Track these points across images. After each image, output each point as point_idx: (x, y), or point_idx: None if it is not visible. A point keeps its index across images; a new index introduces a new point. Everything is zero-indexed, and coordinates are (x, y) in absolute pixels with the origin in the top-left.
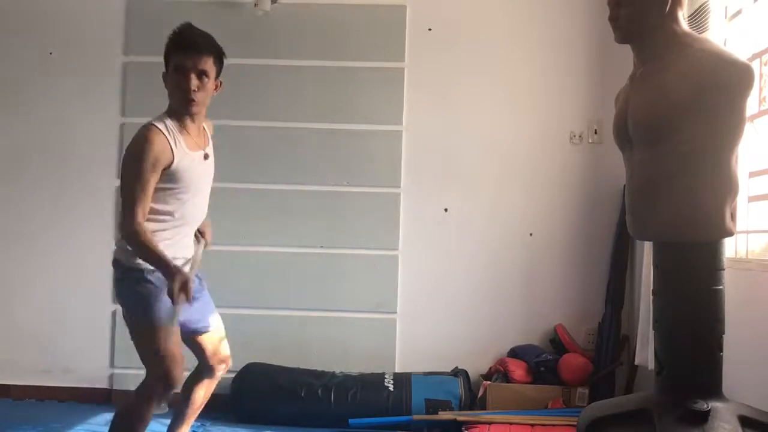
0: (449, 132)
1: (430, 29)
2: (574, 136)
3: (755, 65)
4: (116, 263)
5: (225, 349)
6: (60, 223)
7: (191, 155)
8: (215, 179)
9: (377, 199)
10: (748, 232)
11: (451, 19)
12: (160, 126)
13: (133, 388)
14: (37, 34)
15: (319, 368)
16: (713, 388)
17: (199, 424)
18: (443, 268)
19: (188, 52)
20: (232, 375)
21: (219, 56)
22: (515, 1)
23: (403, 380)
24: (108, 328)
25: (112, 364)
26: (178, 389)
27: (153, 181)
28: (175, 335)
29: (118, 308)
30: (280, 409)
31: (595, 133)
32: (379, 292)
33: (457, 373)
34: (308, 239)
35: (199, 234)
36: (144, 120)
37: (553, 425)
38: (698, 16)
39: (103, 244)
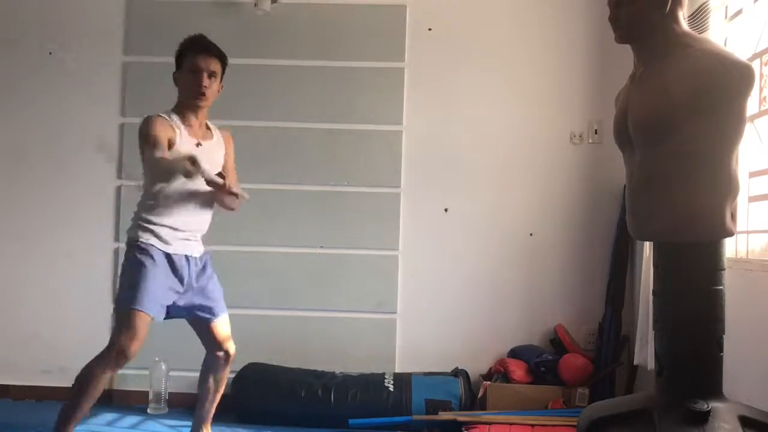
0: (449, 132)
1: (430, 29)
2: (574, 136)
3: (755, 65)
4: (128, 240)
5: (231, 344)
6: (60, 223)
7: (190, 141)
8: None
9: (377, 199)
10: (748, 232)
11: (451, 19)
12: (162, 114)
13: (133, 388)
14: (37, 34)
15: (319, 368)
16: (713, 388)
17: None
18: (443, 268)
19: (203, 54)
20: (232, 375)
21: (225, 62)
22: (515, 1)
23: (403, 380)
24: (108, 328)
25: None
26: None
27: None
28: (145, 320)
29: None
30: (280, 409)
31: (595, 133)
32: (379, 292)
33: (457, 373)
34: (308, 239)
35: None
36: None
37: (553, 425)
38: (698, 16)
39: (104, 243)
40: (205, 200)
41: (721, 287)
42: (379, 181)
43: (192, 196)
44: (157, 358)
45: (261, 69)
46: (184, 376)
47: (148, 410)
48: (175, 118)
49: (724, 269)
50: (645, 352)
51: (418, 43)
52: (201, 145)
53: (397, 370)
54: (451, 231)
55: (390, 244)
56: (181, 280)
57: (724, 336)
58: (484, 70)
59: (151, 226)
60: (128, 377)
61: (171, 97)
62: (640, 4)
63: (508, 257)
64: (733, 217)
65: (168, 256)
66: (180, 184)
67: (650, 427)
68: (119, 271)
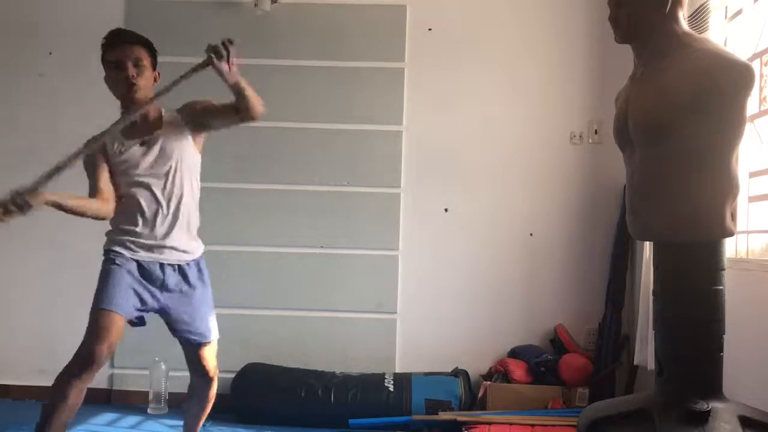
0: (449, 132)
1: (430, 29)
2: (574, 136)
3: (755, 65)
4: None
5: (214, 360)
6: (60, 223)
7: (130, 145)
8: (213, 178)
9: (377, 199)
10: (748, 232)
11: (451, 19)
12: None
13: (133, 388)
14: (37, 34)
15: (319, 368)
16: (713, 388)
17: None
18: (443, 268)
19: (119, 45)
20: (232, 375)
21: (150, 48)
22: (516, 2)
23: (403, 380)
24: None
25: (112, 364)
26: (97, 368)
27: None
28: (116, 322)
29: None
30: (280, 409)
31: (595, 133)
32: (379, 292)
33: (457, 373)
34: (308, 239)
35: None
36: None
37: (553, 425)
38: (698, 16)
39: (103, 244)
40: (166, 202)
41: (721, 287)
42: (379, 181)
43: (146, 198)
44: (157, 358)
45: (261, 69)
46: (184, 376)
47: (148, 410)
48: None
49: (724, 269)
50: (645, 352)
51: (418, 43)
52: (146, 142)
53: (397, 370)
54: (451, 231)
55: (390, 244)
56: (158, 284)
57: (724, 336)
58: (484, 70)
59: (117, 235)
60: (128, 377)
61: (172, 99)
62: (640, 4)
63: (508, 257)
64: (733, 217)
65: (137, 263)
66: (133, 184)
67: (650, 427)
68: None
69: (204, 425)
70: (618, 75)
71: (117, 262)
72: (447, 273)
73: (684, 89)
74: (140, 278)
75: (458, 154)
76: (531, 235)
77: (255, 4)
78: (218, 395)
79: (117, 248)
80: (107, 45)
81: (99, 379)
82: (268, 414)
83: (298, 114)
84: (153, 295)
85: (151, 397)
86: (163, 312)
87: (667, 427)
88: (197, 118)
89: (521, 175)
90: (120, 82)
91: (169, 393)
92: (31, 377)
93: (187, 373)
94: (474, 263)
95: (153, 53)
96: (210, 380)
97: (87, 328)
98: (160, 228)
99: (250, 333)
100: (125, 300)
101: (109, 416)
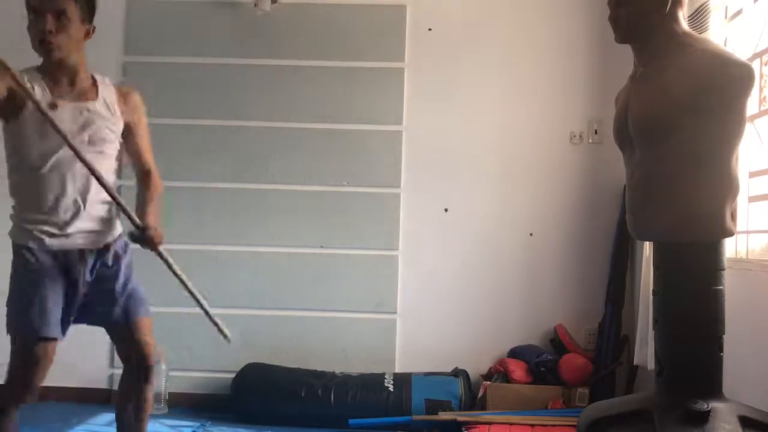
0: (449, 132)
1: (430, 29)
2: (574, 136)
3: (755, 65)
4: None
5: (148, 350)
6: None
7: (44, 99)
8: (213, 178)
9: (377, 199)
10: (748, 232)
11: (451, 19)
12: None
13: None
14: None
15: (319, 368)
16: (713, 388)
17: (199, 424)
18: (443, 268)
19: None
20: (232, 375)
21: None
22: (516, 2)
23: (403, 380)
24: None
25: (111, 365)
26: (32, 399)
27: None
28: (49, 344)
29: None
30: (280, 409)
31: (595, 133)
32: (379, 292)
33: (457, 373)
34: (308, 239)
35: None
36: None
37: (553, 425)
38: (698, 16)
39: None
40: (88, 175)
41: (721, 287)
42: (379, 181)
43: (69, 172)
44: (156, 359)
45: (261, 69)
46: (184, 376)
47: None
48: (36, 74)
49: (724, 269)
50: (645, 352)
51: (418, 43)
52: (57, 107)
53: (397, 370)
54: (451, 231)
55: (390, 244)
56: (74, 283)
57: (724, 336)
58: (484, 70)
59: (25, 224)
60: None
61: (172, 99)
62: (640, 4)
63: (508, 257)
64: (733, 217)
65: (54, 255)
66: (54, 158)
67: (650, 427)
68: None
69: (204, 425)
70: (618, 75)
71: (36, 265)
72: (447, 273)
73: (684, 89)
74: (59, 277)
75: (458, 154)
76: (531, 235)
77: (255, 4)
78: (218, 395)
79: (32, 243)
80: None
81: (99, 379)
82: (268, 414)
83: (298, 114)
84: (76, 293)
85: None
86: (84, 306)
87: (667, 427)
88: (125, 136)
89: (521, 175)
90: (33, 38)
91: (169, 393)
92: None
93: (187, 373)
94: (474, 263)
95: (87, 3)
96: (147, 368)
97: (16, 353)
98: (69, 211)
99: (250, 333)
100: (57, 319)
101: (109, 416)
